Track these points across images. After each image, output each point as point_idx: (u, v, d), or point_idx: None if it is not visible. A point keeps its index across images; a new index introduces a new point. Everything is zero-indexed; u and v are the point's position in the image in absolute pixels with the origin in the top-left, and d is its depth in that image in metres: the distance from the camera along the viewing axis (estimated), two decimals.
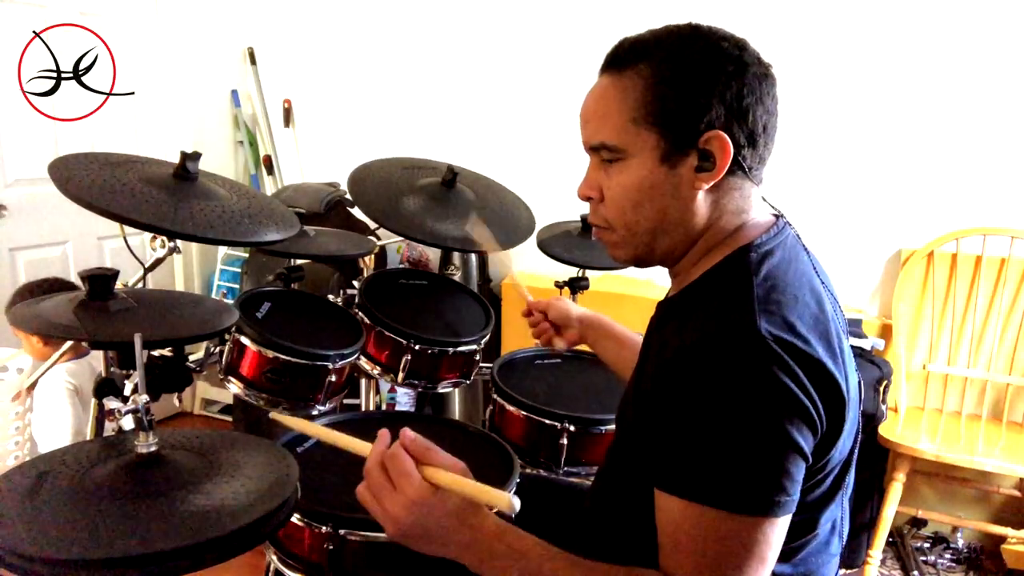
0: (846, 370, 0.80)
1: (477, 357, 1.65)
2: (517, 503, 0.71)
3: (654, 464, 0.79)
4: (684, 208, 0.86)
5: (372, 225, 1.74)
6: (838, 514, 0.89)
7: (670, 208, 0.86)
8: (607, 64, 0.87)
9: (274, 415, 0.98)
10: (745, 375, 0.73)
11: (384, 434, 0.83)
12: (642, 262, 0.94)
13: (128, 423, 0.98)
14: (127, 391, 1.08)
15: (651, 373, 0.83)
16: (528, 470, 1.46)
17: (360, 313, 1.56)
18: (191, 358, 1.26)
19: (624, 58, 0.85)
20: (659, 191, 0.85)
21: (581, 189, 0.92)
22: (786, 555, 0.85)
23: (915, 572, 2.36)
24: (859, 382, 0.87)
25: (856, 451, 0.88)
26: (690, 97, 0.81)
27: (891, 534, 2.33)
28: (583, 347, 1.45)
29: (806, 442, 0.75)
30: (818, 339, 0.77)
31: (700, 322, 0.79)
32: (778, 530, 0.76)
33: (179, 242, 1.23)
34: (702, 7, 2.16)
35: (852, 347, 0.91)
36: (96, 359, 2.10)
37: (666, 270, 0.95)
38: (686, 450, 0.75)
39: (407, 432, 0.81)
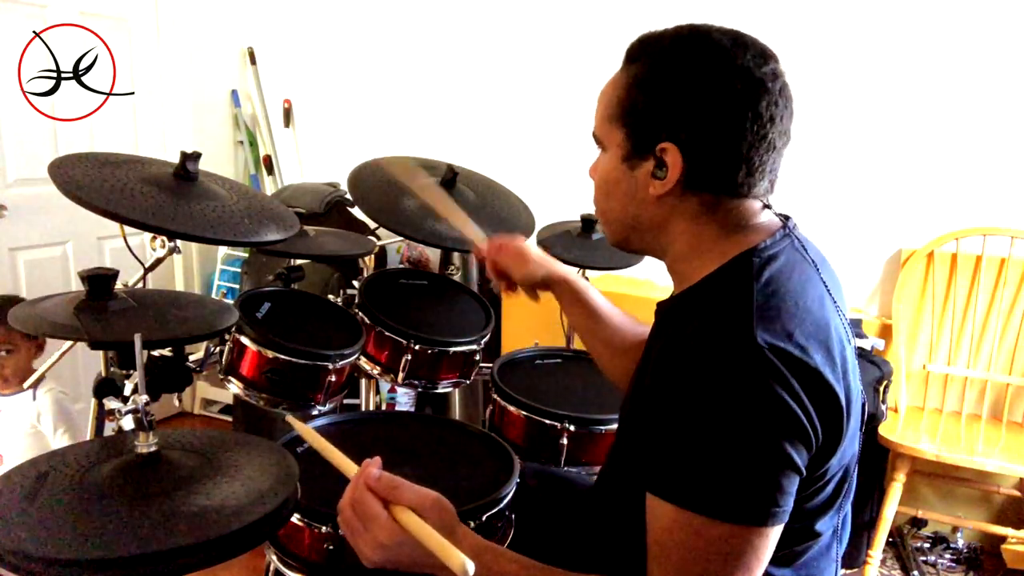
0: (847, 379, 0.80)
1: (477, 357, 1.65)
2: (471, 569, 0.71)
3: (648, 468, 0.79)
4: (642, 209, 0.88)
5: (372, 225, 1.74)
6: (840, 519, 0.89)
7: (629, 206, 0.89)
8: (624, 54, 0.89)
9: (289, 418, 1.00)
10: (742, 388, 0.72)
11: (364, 467, 0.83)
12: (623, 248, 0.96)
13: (128, 423, 0.99)
14: (127, 391, 1.08)
15: (651, 376, 0.83)
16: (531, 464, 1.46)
17: (360, 313, 1.56)
18: (191, 358, 1.26)
19: (630, 54, 0.87)
20: (620, 188, 0.88)
21: (589, 170, 0.97)
22: (788, 559, 0.85)
23: (915, 572, 2.36)
24: (861, 392, 0.87)
25: (857, 457, 0.88)
26: (654, 104, 0.82)
27: (891, 534, 2.33)
28: (583, 347, 1.45)
29: (800, 458, 0.75)
30: (817, 347, 0.76)
31: (698, 328, 0.79)
32: (766, 541, 0.76)
33: (179, 242, 1.23)
34: (702, 8, 2.16)
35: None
36: None
37: (665, 270, 0.95)
38: (680, 457, 0.75)
39: (371, 472, 0.82)
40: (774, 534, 0.76)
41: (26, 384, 1.91)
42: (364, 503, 0.80)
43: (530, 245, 1.30)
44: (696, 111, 0.80)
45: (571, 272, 1.29)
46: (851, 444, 0.83)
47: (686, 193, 0.84)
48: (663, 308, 0.96)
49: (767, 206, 0.88)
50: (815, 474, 0.79)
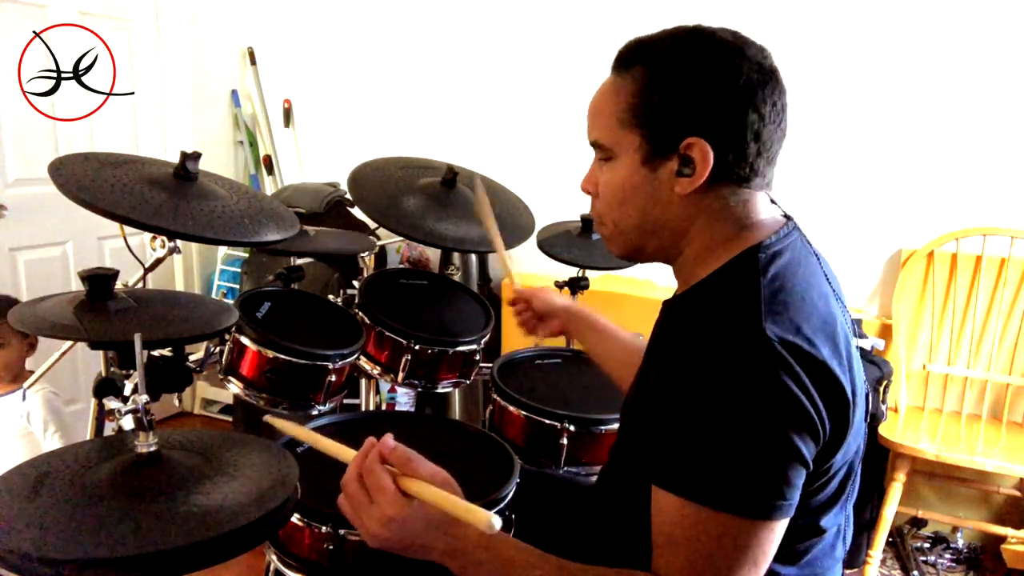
0: (852, 374, 0.80)
1: (477, 357, 1.65)
2: (497, 523, 0.69)
3: (654, 461, 0.79)
4: (665, 210, 0.87)
5: (372, 225, 1.74)
6: (843, 517, 0.89)
7: (651, 209, 0.87)
8: (614, 63, 0.88)
9: (268, 418, 0.97)
10: (751, 380, 0.73)
11: (367, 445, 0.82)
12: (633, 258, 0.95)
13: (128, 423, 0.98)
14: (127, 391, 1.08)
15: (656, 372, 0.83)
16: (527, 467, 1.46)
17: (360, 313, 1.56)
18: (191, 358, 1.26)
19: (626, 58, 0.86)
20: (640, 192, 0.87)
21: (582, 183, 0.95)
22: (793, 557, 0.85)
23: (915, 572, 2.36)
24: (865, 386, 0.87)
25: (861, 454, 0.88)
26: (674, 102, 0.82)
27: (891, 534, 2.33)
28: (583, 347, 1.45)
29: (808, 451, 0.75)
30: (824, 340, 0.77)
31: (707, 322, 0.79)
32: (773, 535, 0.76)
33: (179, 242, 1.23)
34: (700, 7, 2.16)
35: None
36: None
37: (668, 270, 0.95)
38: (688, 450, 0.75)
39: (387, 442, 0.80)
40: (780, 528, 0.76)
41: (26, 384, 1.90)
42: (375, 473, 0.79)
43: (551, 293, 1.45)
44: (719, 103, 0.80)
45: (578, 305, 1.42)
46: (855, 439, 0.83)
47: (709, 188, 0.84)
48: (668, 305, 0.96)
49: (772, 201, 0.89)
50: (820, 468, 0.79)
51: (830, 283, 0.88)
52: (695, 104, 0.81)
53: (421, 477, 0.79)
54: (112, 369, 1.11)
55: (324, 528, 1.04)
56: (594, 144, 0.90)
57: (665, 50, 0.83)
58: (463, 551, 0.80)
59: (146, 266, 1.29)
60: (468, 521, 0.72)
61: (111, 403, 1.00)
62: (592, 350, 1.36)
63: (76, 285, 2.16)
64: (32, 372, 1.99)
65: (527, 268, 2.75)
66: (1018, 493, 2.34)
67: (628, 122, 0.85)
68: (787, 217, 0.91)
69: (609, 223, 0.92)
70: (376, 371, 1.55)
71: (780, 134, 0.85)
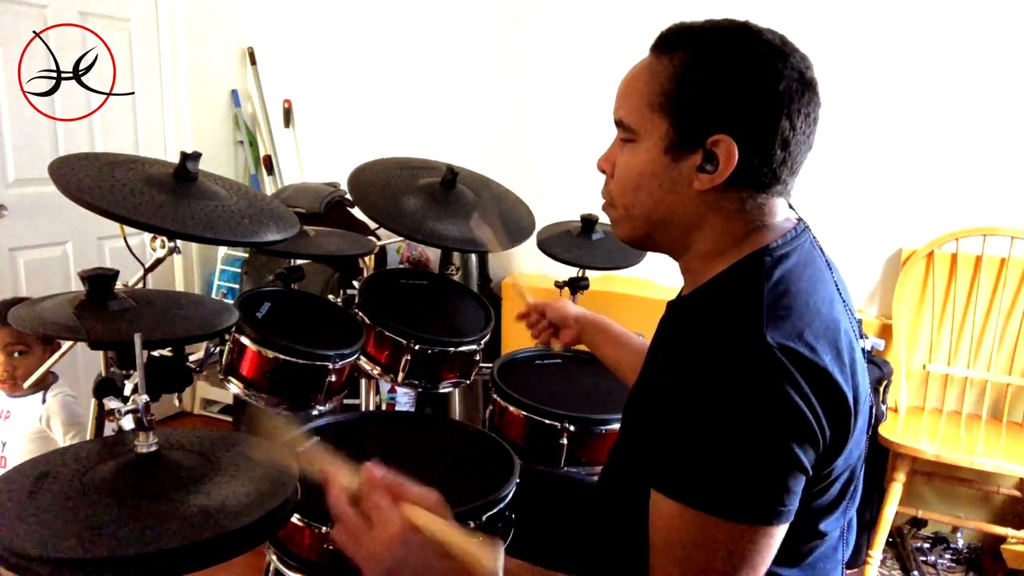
0: (855, 380, 0.80)
1: (477, 357, 1.65)
2: (501, 562, 0.68)
3: (653, 465, 0.79)
4: (680, 203, 0.85)
5: (372, 225, 1.74)
6: (845, 520, 0.89)
7: (665, 200, 0.86)
8: (653, 44, 0.86)
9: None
10: (751, 388, 0.72)
11: (337, 475, 0.80)
12: (637, 245, 0.94)
13: (128, 423, 0.98)
14: (127, 391, 1.08)
15: (657, 374, 0.82)
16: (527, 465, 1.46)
17: (360, 313, 1.56)
18: (191, 358, 1.26)
19: (667, 42, 0.85)
20: (657, 181, 0.85)
21: (599, 161, 0.93)
22: (794, 559, 0.85)
23: (915, 572, 2.36)
24: (869, 396, 0.87)
25: (863, 458, 0.88)
26: (708, 96, 0.80)
27: (891, 534, 2.33)
28: (583, 347, 1.45)
29: (808, 459, 0.75)
30: (827, 347, 0.76)
31: (708, 327, 0.79)
32: (771, 540, 0.76)
33: (179, 242, 1.23)
34: (699, 6, 2.15)
35: None
36: None
37: (669, 270, 0.95)
38: (687, 455, 0.75)
39: (375, 469, 0.78)
40: (779, 533, 0.76)
41: (26, 384, 1.90)
42: (374, 496, 0.77)
43: (565, 303, 1.46)
44: (754, 105, 0.79)
45: (592, 313, 1.41)
46: (857, 445, 0.83)
47: (728, 189, 0.83)
48: (673, 305, 0.96)
49: (790, 206, 0.88)
50: (821, 474, 0.79)
51: (838, 289, 0.87)
52: (730, 101, 0.79)
53: (412, 500, 0.77)
54: (112, 369, 1.11)
55: (324, 528, 1.04)
56: (619, 123, 0.88)
57: (710, 40, 0.81)
58: (465, 573, 0.76)
59: (146, 266, 1.29)
60: (468, 560, 0.71)
61: (111, 403, 1.00)
62: (606, 358, 1.35)
63: (76, 285, 2.16)
64: (55, 375, 1.99)
65: (527, 268, 2.75)
66: (1018, 493, 2.34)
67: (659, 107, 0.83)
68: (799, 219, 0.90)
69: (620, 206, 0.90)
70: (376, 371, 1.55)
71: (808, 146, 0.83)
